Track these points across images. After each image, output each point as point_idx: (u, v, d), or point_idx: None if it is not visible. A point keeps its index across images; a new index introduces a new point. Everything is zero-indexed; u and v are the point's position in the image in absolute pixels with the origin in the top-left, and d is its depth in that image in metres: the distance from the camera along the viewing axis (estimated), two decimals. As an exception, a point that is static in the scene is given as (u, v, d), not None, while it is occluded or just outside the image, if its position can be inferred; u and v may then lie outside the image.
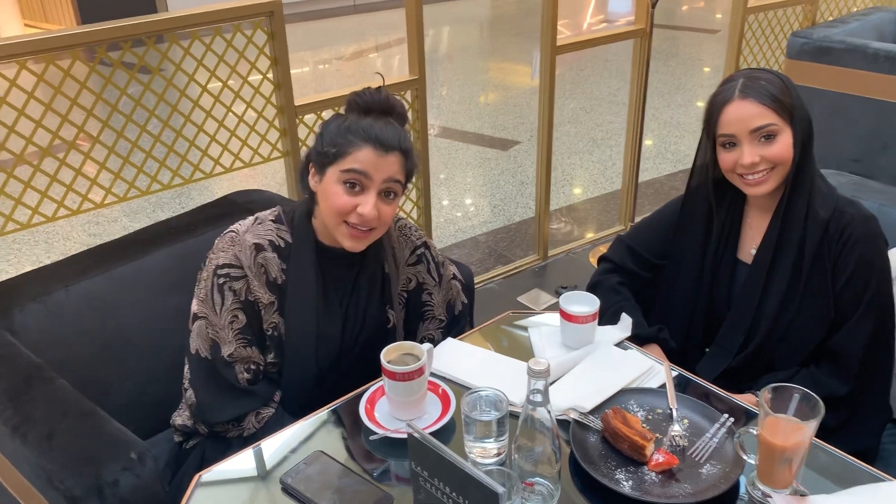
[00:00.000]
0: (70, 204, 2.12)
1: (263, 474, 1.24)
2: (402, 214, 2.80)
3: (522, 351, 1.50)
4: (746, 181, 1.47)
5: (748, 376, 1.55)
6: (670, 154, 4.67)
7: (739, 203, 1.58)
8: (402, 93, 2.65)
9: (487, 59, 7.46)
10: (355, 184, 1.35)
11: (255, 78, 2.32)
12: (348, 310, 1.48)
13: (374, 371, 1.31)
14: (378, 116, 1.37)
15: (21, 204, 2.05)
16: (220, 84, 2.28)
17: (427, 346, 1.30)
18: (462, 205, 4.16)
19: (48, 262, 3.59)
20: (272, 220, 1.46)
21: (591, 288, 1.69)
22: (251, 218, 1.47)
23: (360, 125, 1.35)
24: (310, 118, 2.45)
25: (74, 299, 1.66)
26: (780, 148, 1.43)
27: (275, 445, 1.29)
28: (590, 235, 3.64)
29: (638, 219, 3.54)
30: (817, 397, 1.07)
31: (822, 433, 1.13)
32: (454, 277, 1.62)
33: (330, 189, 1.36)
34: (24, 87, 1.98)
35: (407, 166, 1.39)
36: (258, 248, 1.42)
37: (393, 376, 1.24)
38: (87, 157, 2.13)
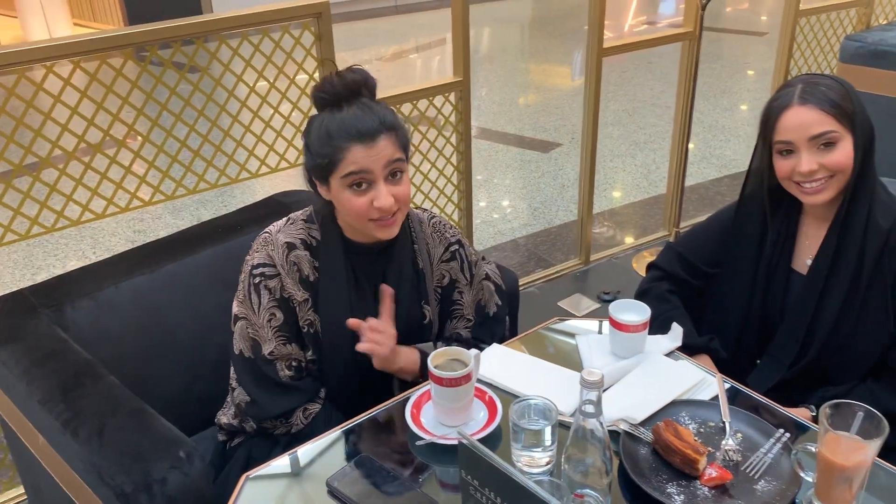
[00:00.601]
0: (119, 202, 2.16)
1: (309, 476, 1.24)
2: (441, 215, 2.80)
3: (568, 359, 1.48)
4: (804, 189, 1.43)
5: (801, 389, 1.51)
6: (715, 159, 4.59)
7: (795, 211, 1.54)
8: (447, 94, 2.64)
9: (528, 60, 7.42)
10: (361, 183, 1.34)
11: (301, 78, 2.33)
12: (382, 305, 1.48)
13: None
14: (350, 102, 1.34)
15: (72, 201, 2.09)
16: (267, 84, 2.30)
17: (474, 351, 1.29)
18: (502, 207, 4.14)
19: (94, 257, 3.67)
20: (303, 220, 1.47)
21: (640, 295, 1.66)
22: (284, 219, 1.49)
23: (338, 125, 1.32)
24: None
25: (123, 296, 1.69)
26: (839, 156, 1.38)
27: (321, 448, 1.29)
28: (633, 240, 3.59)
29: (683, 224, 3.48)
30: (881, 416, 1.03)
31: (882, 451, 1.09)
32: (487, 278, 1.60)
33: (341, 197, 1.36)
34: (77, 86, 2.02)
35: (400, 141, 1.36)
36: (290, 246, 1.44)
37: (440, 382, 1.22)
38: (137, 155, 2.16)
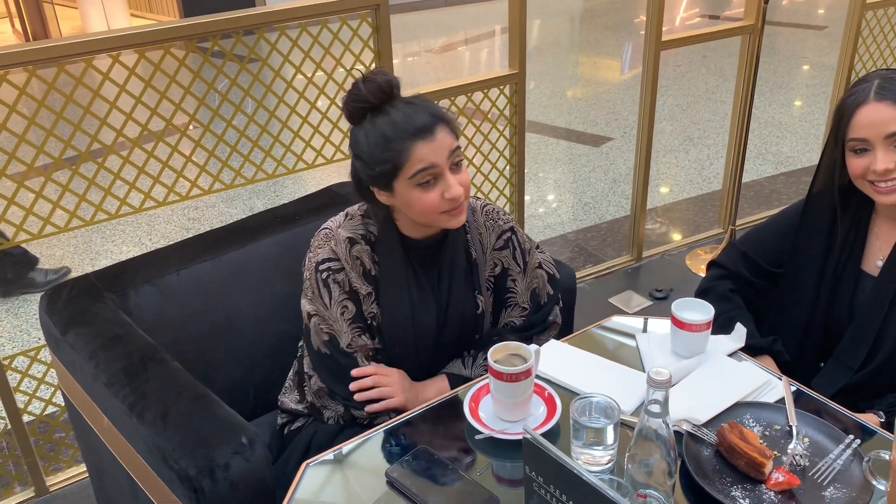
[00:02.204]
0: (179, 190, 2.20)
1: (368, 467, 1.25)
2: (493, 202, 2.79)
3: (627, 356, 1.46)
4: (878, 189, 1.38)
5: (868, 394, 1.47)
6: (771, 155, 4.48)
7: (866, 211, 1.49)
8: (501, 87, 2.63)
9: (578, 52, 7.35)
10: (429, 180, 1.33)
11: (358, 70, 2.34)
12: (440, 298, 1.48)
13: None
14: (390, 104, 1.34)
15: (135, 188, 2.14)
16: (325, 76, 2.31)
17: (534, 347, 1.28)
18: (551, 201, 4.11)
19: (150, 243, 3.76)
20: (361, 215, 1.48)
21: (702, 294, 1.63)
22: (341, 214, 1.50)
23: (392, 128, 1.32)
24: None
25: (185, 283, 1.72)
26: None
27: (380, 439, 1.29)
28: (686, 238, 3.53)
29: (739, 222, 3.41)
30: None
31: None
32: (540, 266, 1.58)
33: (410, 197, 1.35)
34: (141, 76, 2.06)
35: (453, 129, 1.37)
36: (352, 241, 1.44)
37: (500, 377, 1.22)
38: (198, 144, 2.20)
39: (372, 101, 1.34)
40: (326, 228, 1.48)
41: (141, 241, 3.82)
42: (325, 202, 1.97)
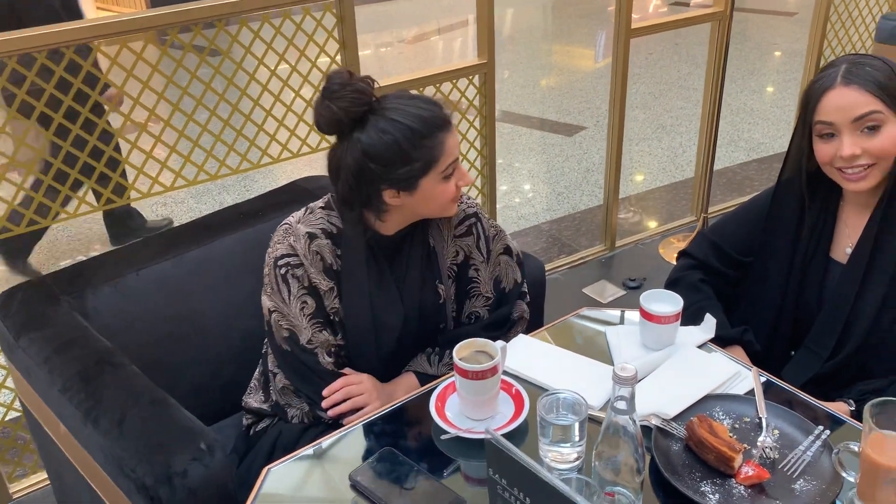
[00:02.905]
0: (140, 187, 2.14)
1: (332, 469, 1.22)
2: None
3: (597, 350, 1.43)
4: (845, 175, 1.37)
5: (838, 383, 1.45)
6: (743, 142, 4.49)
7: (834, 198, 1.48)
8: (471, 77, 2.59)
9: (551, 41, 7.32)
10: (451, 173, 1.36)
11: (323, 61, 2.29)
12: (402, 289, 1.46)
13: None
14: (383, 101, 1.32)
15: (94, 187, 2.08)
16: (289, 68, 2.26)
17: (501, 343, 1.26)
18: (525, 191, 4.09)
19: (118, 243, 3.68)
20: (322, 208, 1.45)
21: (671, 284, 1.61)
22: (303, 209, 1.47)
23: (420, 123, 1.30)
24: (377, 103, 2.41)
25: (146, 282, 1.67)
26: (884, 140, 1.32)
27: (344, 440, 1.26)
28: (659, 226, 3.52)
29: (711, 209, 3.41)
30: (930, 415, 0.98)
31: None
32: (506, 252, 1.55)
33: (435, 191, 1.35)
34: (97, 71, 1.99)
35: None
36: (311, 236, 1.41)
37: (465, 374, 1.19)
38: (158, 140, 2.14)
39: (358, 109, 1.30)
40: (286, 224, 1.45)
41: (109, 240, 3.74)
42: (290, 197, 1.93)
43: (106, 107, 2.13)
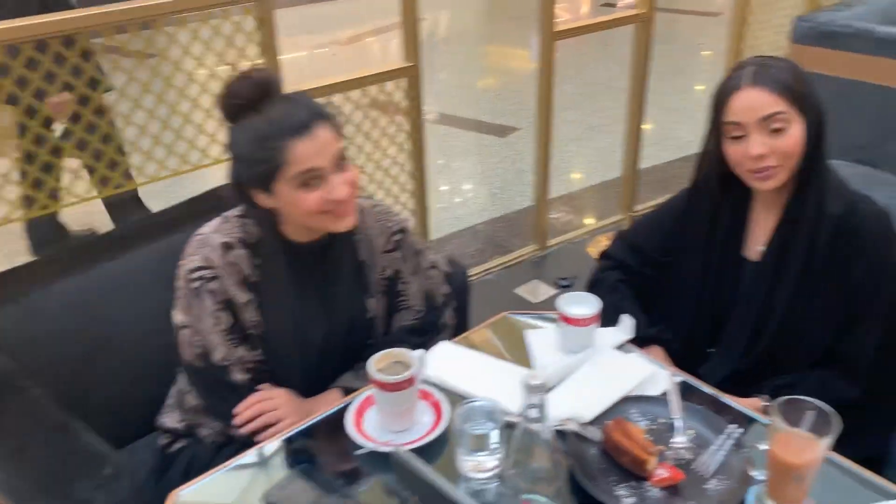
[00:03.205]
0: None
1: (249, 488, 1.18)
2: (388, 203, 2.73)
3: (521, 355, 1.43)
4: (754, 175, 1.39)
5: (754, 380, 1.48)
6: (670, 141, 4.58)
7: (746, 198, 1.51)
8: (397, 80, 2.57)
9: (486, 43, 7.36)
10: (310, 181, 1.27)
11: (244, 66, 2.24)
12: (327, 304, 1.42)
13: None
14: (267, 101, 1.27)
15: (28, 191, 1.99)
16: (209, 72, 2.20)
17: (419, 352, 1.24)
18: (459, 193, 4.09)
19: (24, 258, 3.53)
20: (238, 216, 1.40)
21: (591, 286, 1.62)
22: (219, 218, 1.41)
23: (269, 125, 1.25)
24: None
25: (53, 299, 1.60)
26: (790, 140, 1.35)
27: (262, 457, 1.23)
28: (590, 225, 3.57)
29: (639, 207, 3.47)
30: (832, 412, 1.00)
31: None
32: (434, 266, 1.54)
33: (292, 198, 1.28)
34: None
35: (335, 126, 1.31)
36: (227, 246, 1.37)
37: (382, 386, 1.17)
38: (70, 150, 2.06)
39: (247, 98, 1.26)
40: (200, 234, 1.40)
41: (22, 253, 3.57)
42: (210, 206, 1.85)
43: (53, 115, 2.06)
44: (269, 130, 1.25)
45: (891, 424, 1.48)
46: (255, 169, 1.28)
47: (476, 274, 3.18)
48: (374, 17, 8.21)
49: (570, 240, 3.42)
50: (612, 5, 8.21)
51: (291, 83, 2.29)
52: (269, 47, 2.24)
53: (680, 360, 1.53)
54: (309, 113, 1.27)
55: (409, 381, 1.18)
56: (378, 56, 6.98)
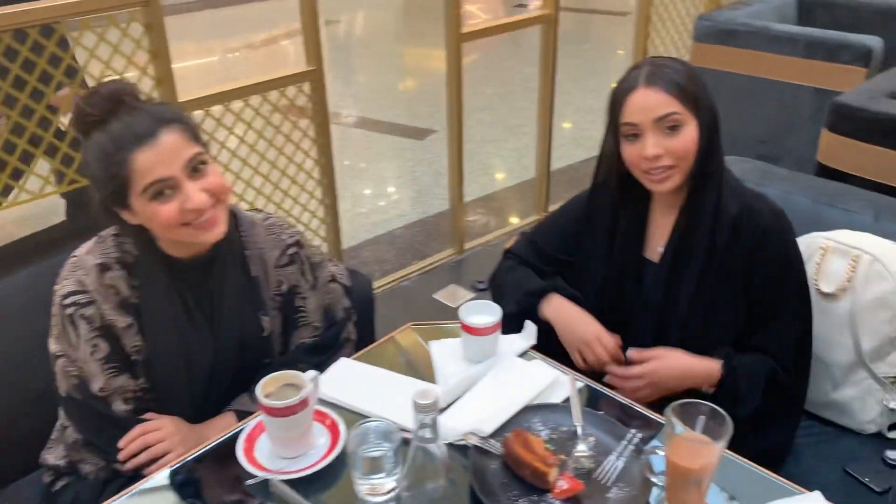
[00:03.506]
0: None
1: (129, 529, 1.10)
2: (303, 214, 2.66)
3: (424, 366, 1.39)
4: (650, 177, 1.39)
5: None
6: (584, 140, 4.64)
7: (645, 199, 1.51)
8: (300, 85, 2.50)
9: (404, 43, 7.31)
10: (163, 190, 1.20)
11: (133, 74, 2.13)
12: (216, 323, 1.35)
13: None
14: (116, 115, 1.20)
15: None
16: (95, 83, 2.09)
17: (312, 374, 1.18)
18: (377, 198, 4.03)
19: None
20: (114, 235, 1.32)
21: (491, 280, 1.61)
22: (94, 238, 1.33)
23: (111, 139, 1.18)
24: (198, 115, 2.27)
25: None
26: (684, 141, 1.36)
27: (147, 495, 1.15)
28: (507, 226, 3.57)
29: (553, 207, 3.48)
30: (725, 414, 1.00)
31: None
32: (333, 280, 1.49)
33: (147, 212, 1.21)
34: None
35: (188, 132, 1.23)
36: (103, 267, 1.28)
37: (272, 412, 1.11)
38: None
39: (99, 113, 1.18)
40: (74, 256, 1.31)
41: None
42: (95, 224, 1.77)
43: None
44: (111, 145, 1.18)
45: (797, 414, 1.51)
46: (107, 187, 1.20)
47: (393, 280, 3.14)
48: (289, 20, 8.05)
49: (488, 242, 3.41)
50: (525, 6, 8.29)
51: (191, 90, 2.21)
52: (159, 54, 2.14)
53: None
54: (152, 120, 1.19)
55: (302, 405, 1.12)
56: (292, 59, 6.85)
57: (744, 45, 3.19)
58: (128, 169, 1.17)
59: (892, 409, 1.56)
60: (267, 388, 1.15)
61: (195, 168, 1.22)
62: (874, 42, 2.92)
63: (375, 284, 3.12)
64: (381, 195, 4.06)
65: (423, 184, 4.14)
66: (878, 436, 1.58)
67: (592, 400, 1.31)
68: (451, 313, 2.92)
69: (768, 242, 1.41)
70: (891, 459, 1.50)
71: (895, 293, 1.51)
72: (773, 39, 3.10)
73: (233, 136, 2.43)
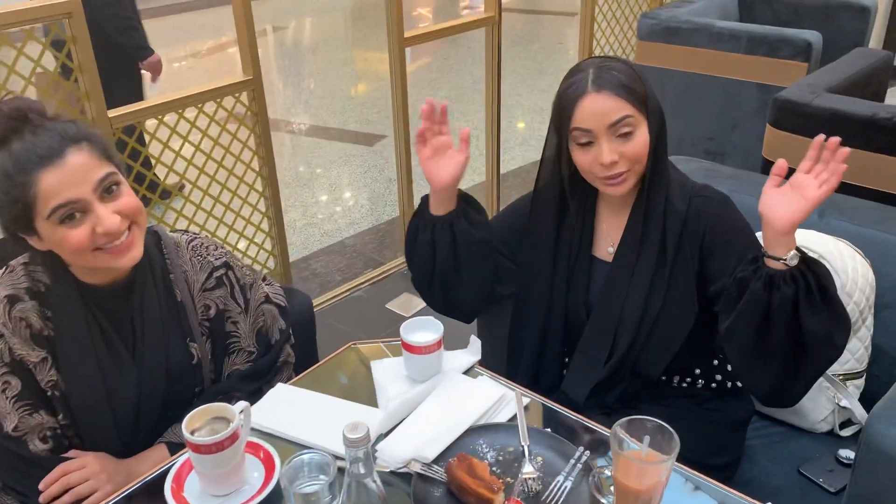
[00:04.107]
0: None
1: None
2: (247, 228, 2.58)
3: (369, 388, 1.33)
4: (605, 182, 1.36)
5: (612, 385, 1.45)
6: (535, 141, 4.62)
7: (591, 198, 1.48)
8: (237, 95, 2.42)
9: (352, 49, 7.23)
10: (73, 214, 1.13)
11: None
12: (139, 352, 1.27)
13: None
14: (20, 135, 1.12)
15: None
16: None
17: (242, 405, 1.12)
18: (327, 206, 3.95)
19: None
20: (24, 264, 1.24)
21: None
22: (2, 269, 1.24)
23: (13, 160, 1.10)
24: (130, 130, 2.18)
25: None
26: (637, 144, 1.32)
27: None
28: (459, 231, 3.52)
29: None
30: (672, 430, 0.96)
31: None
32: (267, 300, 1.42)
33: (56, 237, 1.14)
34: None
35: (98, 151, 1.16)
36: (12, 299, 1.20)
37: (199, 449, 1.04)
38: None
39: (1, 131, 1.11)
40: None
41: None
42: (8, 253, 1.67)
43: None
44: (13, 166, 1.10)
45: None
46: (10, 212, 1.12)
47: (344, 291, 3.07)
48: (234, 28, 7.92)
49: (440, 248, 3.35)
50: (474, 8, 8.28)
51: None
52: (88, 67, 2.04)
53: (537, 369, 1.49)
54: (58, 139, 1.12)
55: (231, 439, 1.05)
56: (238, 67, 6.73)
57: (687, 43, 3.20)
58: (32, 191, 1.10)
59: (843, 408, 1.55)
60: (193, 422, 1.08)
61: (107, 189, 1.15)
62: (813, 37, 2.94)
63: (326, 296, 3.06)
64: (331, 203, 3.99)
65: (374, 191, 4.07)
66: (831, 434, 1.58)
67: (542, 416, 1.27)
68: (373, 340, 2.87)
69: (720, 224, 1.38)
70: (843, 458, 1.49)
71: (841, 291, 1.50)
72: (716, 36, 3.12)
73: (168, 149, 2.35)
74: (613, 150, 1.32)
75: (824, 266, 1.21)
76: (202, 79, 6.19)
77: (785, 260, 1.18)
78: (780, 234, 1.18)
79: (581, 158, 1.36)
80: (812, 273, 1.18)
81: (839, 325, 1.22)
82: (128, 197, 1.17)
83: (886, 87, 2.90)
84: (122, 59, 3.23)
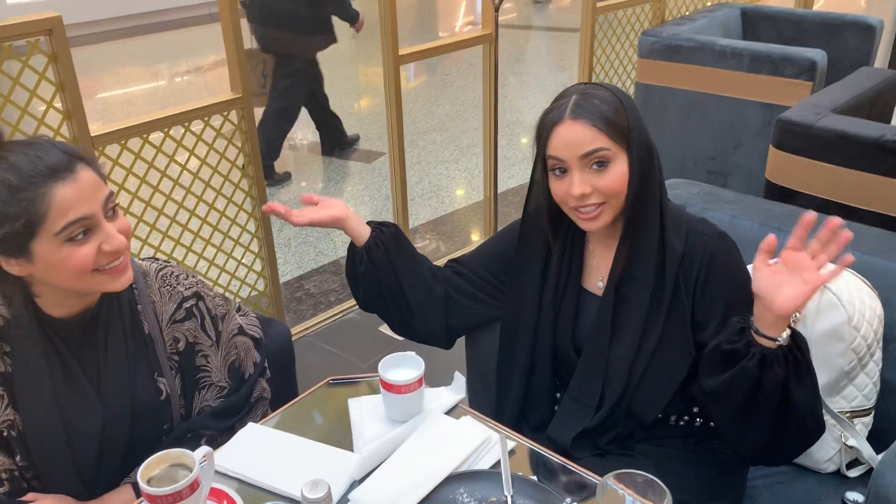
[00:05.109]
0: None
1: None
2: (236, 249, 2.51)
3: (345, 429, 1.25)
4: (579, 214, 1.29)
5: (604, 430, 1.36)
6: (537, 158, 4.56)
7: (580, 229, 1.41)
8: (225, 113, 2.36)
9: (355, 65, 7.20)
10: (83, 231, 1.08)
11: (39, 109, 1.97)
12: (102, 388, 1.21)
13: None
14: (7, 149, 1.07)
15: None
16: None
17: (204, 450, 1.04)
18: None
19: None
20: None
21: None
22: None
23: (16, 172, 1.05)
24: (112, 149, 2.12)
25: None
26: (612, 178, 1.25)
27: None
28: (455, 251, 3.45)
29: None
30: (663, 485, 0.89)
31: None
32: (241, 332, 1.35)
33: (58, 257, 1.08)
34: None
35: (98, 171, 1.12)
36: None
37: (154, 500, 0.97)
38: None
39: None
40: None
41: None
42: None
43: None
44: (18, 179, 1.04)
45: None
46: (4, 229, 1.05)
47: (338, 313, 3.00)
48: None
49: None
50: (476, 25, 8.26)
51: (114, 121, 2.07)
52: (70, 85, 1.98)
53: (526, 409, 1.41)
54: (63, 154, 1.07)
55: (190, 489, 0.98)
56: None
57: (689, 61, 3.14)
58: (43, 206, 1.04)
59: (850, 447, 1.47)
60: (150, 470, 1.00)
61: (112, 209, 1.12)
62: (818, 55, 2.88)
63: (319, 317, 2.98)
64: (327, 222, 3.92)
65: (372, 208, 4.01)
66: (837, 474, 1.49)
67: (529, 459, 1.19)
68: (398, 346, 2.79)
69: (715, 264, 1.30)
70: (851, 501, 1.41)
71: (847, 324, 1.42)
72: (718, 54, 3.05)
73: (154, 169, 2.29)
74: (585, 182, 1.25)
75: (803, 336, 1.15)
76: (202, 94, 6.16)
77: (779, 341, 1.11)
78: (779, 318, 1.11)
79: (555, 187, 1.30)
80: (797, 348, 1.13)
81: (817, 396, 1.18)
82: (123, 219, 1.15)
83: (893, 108, 2.83)
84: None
